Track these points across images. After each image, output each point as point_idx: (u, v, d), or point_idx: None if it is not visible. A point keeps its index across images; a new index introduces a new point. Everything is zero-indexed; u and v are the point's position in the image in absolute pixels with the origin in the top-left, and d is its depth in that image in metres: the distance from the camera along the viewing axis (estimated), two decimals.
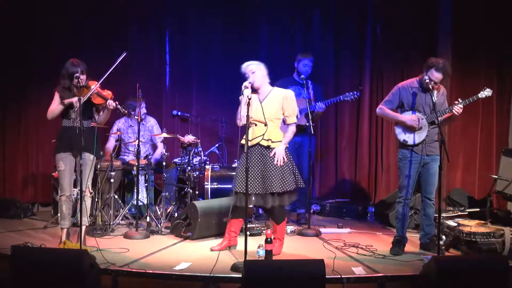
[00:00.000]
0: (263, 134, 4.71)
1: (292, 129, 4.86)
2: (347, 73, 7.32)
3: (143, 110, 6.32)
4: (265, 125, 4.72)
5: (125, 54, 4.96)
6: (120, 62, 4.97)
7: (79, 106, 4.65)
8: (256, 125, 4.74)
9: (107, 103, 4.90)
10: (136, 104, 5.73)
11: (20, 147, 6.92)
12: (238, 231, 5.04)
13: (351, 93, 6.10)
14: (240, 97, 4.75)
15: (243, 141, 4.78)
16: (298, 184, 4.80)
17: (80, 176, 4.60)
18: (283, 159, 4.73)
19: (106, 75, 4.90)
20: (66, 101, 4.85)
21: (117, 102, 4.95)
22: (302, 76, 6.06)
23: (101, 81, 4.89)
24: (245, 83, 4.66)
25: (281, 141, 4.76)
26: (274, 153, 4.72)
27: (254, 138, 4.72)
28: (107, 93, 4.97)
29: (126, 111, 5.25)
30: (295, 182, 4.77)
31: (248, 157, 4.69)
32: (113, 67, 4.92)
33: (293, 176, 4.76)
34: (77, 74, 4.75)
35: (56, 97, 4.91)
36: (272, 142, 4.74)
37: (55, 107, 4.89)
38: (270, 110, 4.75)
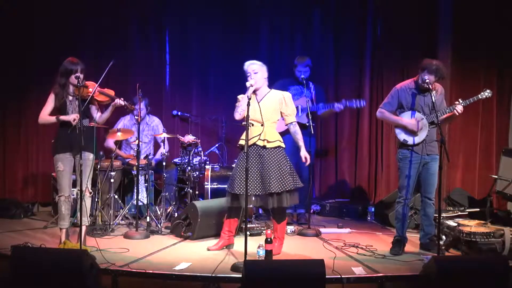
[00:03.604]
0: (260, 134, 4.73)
1: (297, 129, 4.93)
2: (347, 73, 7.32)
3: (143, 110, 6.32)
4: (262, 125, 4.75)
5: (112, 62, 4.91)
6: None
7: (77, 121, 4.64)
8: (253, 125, 4.76)
9: (115, 101, 4.90)
10: (143, 102, 5.75)
11: (20, 147, 6.92)
12: (234, 231, 5.06)
13: (357, 100, 6.14)
14: (239, 96, 4.80)
15: (241, 141, 4.81)
16: (296, 184, 4.80)
17: (80, 176, 4.59)
18: (284, 160, 4.79)
19: (100, 80, 4.86)
20: (62, 117, 4.84)
21: (122, 99, 4.95)
22: (302, 76, 6.07)
23: (99, 82, 4.87)
24: (250, 82, 4.70)
25: (276, 141, 4.79)
26: (306, 157, 4.86)
27: (251, 138, 4.74)
28: (109, 91, 4.97)
29: (133, 107, 5.25)
30: (293, 183, 4.77)
31: (247, 158, 4.73)
32: (104, 74, 4.86)
33: (290, 177, 4.77)
34: (77, 74, 4.74)
35: (50, 99, 4.88)
36: (268, 142, 4.76)
37: (49, 118, 4.88)
38: (267, 111, 4.79)
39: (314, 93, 6.31)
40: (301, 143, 4.90)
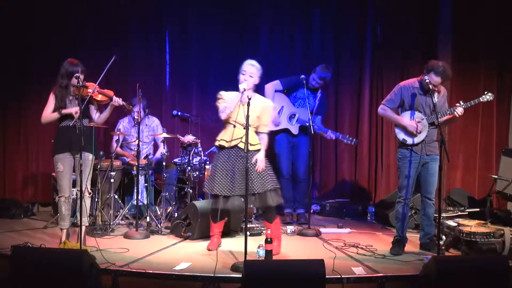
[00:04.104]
0: (242, 137, 4.73)
1: (266, 138, 4.95)
2: (347, 73, 7.32)
3: (141, 112, 6.31)
4: (244, 128, 4.75)
5: (114, 57, 4.93)
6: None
7: (79, 115, 4.65)
8: (235, 126, 4.77)
9: (113, 99, 4.91)
10: (142, 103, 5.75)
11: (20, 147, 6.92)
12: (222, 229, 5.12)
13: (350, 138, 6.23)
14: (222, 92, 4.89)
15: (221, 142, 4.86)
16: (275, 184, 4.86)
17: (80, 176, 4.60)
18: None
19: (100, 78, 4.87)
20: (64, 111, 4.85)
21: (121, 99, 4.96)
22: (302, 77, 5.97)
23: (99, 81, 4.87)
24: (243, 86, 4.69)
25: (257, 144, 4.82)
26: (256, 160, 4.79)
27: (234, 140, 4.77)
28: (109, 91, 4.98)
29: (130, 107, 5.26)
30: (272, 183, 4.83)
31: (228, 159, 4.81)
32: (105, 71, 4.88)
33: (270, 177, 4.84)
34: (77, 74, 4.74)
35: (51, 99, 4.89)
36: (250, 145, 4.75)
37: (51, 114, 4.89)
38: (251, 115, 4.76)
39: (317, 104, 6.28)
40: (263, 147, 4.89)
